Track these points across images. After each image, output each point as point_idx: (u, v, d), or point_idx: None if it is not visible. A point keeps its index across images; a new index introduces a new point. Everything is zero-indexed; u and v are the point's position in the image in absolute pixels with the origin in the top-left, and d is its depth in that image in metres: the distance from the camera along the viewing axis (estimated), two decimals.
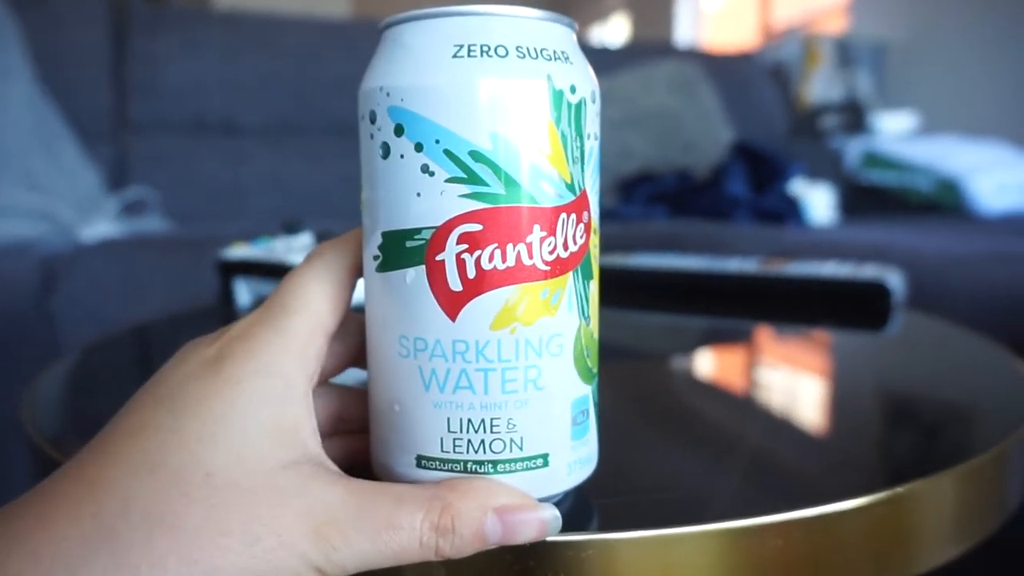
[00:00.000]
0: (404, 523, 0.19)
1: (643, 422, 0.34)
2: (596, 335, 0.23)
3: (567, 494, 0.24)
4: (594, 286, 0.23)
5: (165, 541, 0.17)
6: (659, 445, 0.31)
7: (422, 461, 0.21)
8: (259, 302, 0.57)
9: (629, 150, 1.60)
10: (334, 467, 0.21)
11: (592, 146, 0.22)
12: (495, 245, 0.20)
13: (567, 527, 0.22)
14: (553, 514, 0.21)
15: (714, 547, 0.23)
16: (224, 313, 0.56)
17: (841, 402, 0.39)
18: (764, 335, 0.53)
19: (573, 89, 0.21)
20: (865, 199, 1.73)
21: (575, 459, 0.22)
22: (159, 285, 1.01)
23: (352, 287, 0.23)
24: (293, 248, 0.55)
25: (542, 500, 0.22)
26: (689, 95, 1.70)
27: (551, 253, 0.21)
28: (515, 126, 0.20)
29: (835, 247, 0.98)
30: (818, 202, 1.46)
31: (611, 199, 1.53)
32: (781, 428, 0.34)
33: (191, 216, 1.40)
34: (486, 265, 0.20)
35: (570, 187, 0.21)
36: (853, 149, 1.87)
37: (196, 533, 0.18)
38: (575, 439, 0.22)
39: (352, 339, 0.25)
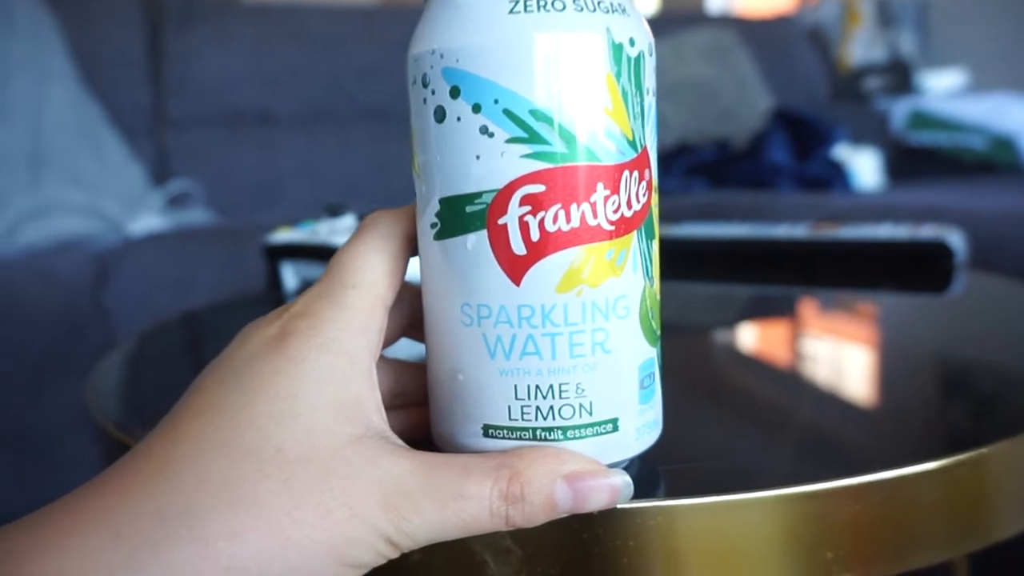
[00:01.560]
0: (473, 492, 0.19)
1: (703, 391, 0.34)
2: (659, 296, 0.23)
3: (634, 459, 0.23)
4: (656, 245, 0.22)
5: (242, 516, 0.18)
6: (720, 413, 0.31)
7: (489, 430, 0.21)
8: (306, 285, 0.58)
9: (664, 122, 1.57)
10: (399, 441, 0.20)
11: (651, 101, 0.22)
12: (559, 206, 0.20)
13: (635, 494, 0.22)
14: (624, 480, 0.20)
15: (787, 512, 0.22)
16: (272, 297, 0.57)
17: (910, 366, 0.37)
18: (819, 301, 0.52)
19: (632, 42, 0.20)
20: (913, 161, 1.67)
21: (643, 423, 0.22)
22: (206, 274, 1.03)
23: (407, 257, 0.23)
24: (337, 230, 0.55)
25: (612, 466, 0.21)
26: (724, 63, 1.66)
27: (615, 212, 0.20)
28: (576, 82, 0.20)
29: (886, 211, 0.94)
30: (864, 167, 1.41)
31: None
32: (847, 394, 0.33)
33: (231, 207, 1.42)
34: (550, 227, 0.20)
35: (632, 144, 0.21)
36: (899, 110, 1.81)
37: (271, 507, 0.18)
38: (643, 403, 0.22)
39: (406, 309, 0.24)
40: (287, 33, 1.55)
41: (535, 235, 0.20)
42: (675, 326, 0.46)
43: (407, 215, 0.23)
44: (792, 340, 0.43)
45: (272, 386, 0.19)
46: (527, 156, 0.20)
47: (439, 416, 0.23)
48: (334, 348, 0.20)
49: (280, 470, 0.18)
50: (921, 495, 0.24)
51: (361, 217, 0.58)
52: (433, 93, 0.20)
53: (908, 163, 1.66)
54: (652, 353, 0.22)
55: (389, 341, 0.25)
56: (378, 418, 0.20)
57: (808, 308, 0.50)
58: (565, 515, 0.20)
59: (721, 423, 0.30)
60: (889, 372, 0.37)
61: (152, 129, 1.46)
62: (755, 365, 0.38)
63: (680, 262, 0.62)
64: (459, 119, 0.20)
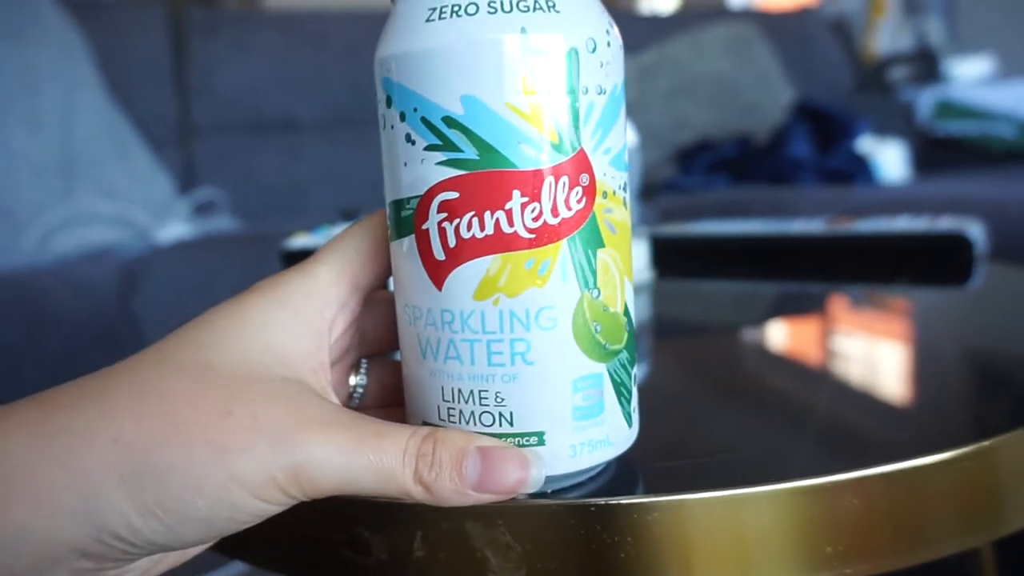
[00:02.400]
0: (393, 434, 0.19)
1: (716, 387, 0.34)
2: (617, 308, 0.22)
3: (611, 463, 0.23)
4: (609, 255, 0.21)
5: (147, 402, 0.18)
6: (729, 409, 0.31)
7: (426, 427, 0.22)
8: None
9: (684, 119, 1.56)
10: (336, 400, 0.22)
11: (593, 101, 0.20)
12: (472, 213, 0.20)
13: (628, 490, 0.22)
14: (537, 467, 0.20)
15: (788, 506, 0.22)
16: None
17: (927, 359, 0.37)
18: (837, 296, 0.51)
19: (560, 40, 0.20)
20: (940, 152, 1.64)
21: (582, 441, 0.21)
22: (232, 280, 1.05)
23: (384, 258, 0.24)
24: None
25: (543, 483, 0.21)
26: (745, 57, 1.65)
27: (536, 220, 0.20)
28: (485, 86, 0.19)
29: (910, 203, 0.93)
30: (889, 159, 1.39)
31: (669, 170, 1.50)
32: (861, 388, 0.32)
33: (256, 213, 1.44)
34: (464, 234, 0.20)
35: (557, 147, 0.20)
36: (925, 100, 1.77)
37: (175, 400, 0.18)
38: (580, 419, 0.21)
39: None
40: (309, 40, 1.57)
41: (452, 242, 0.20)
42: (690, 323, 0.46)
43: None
44: (808, 335, 0.43)
45: (220, 325, 0.20)
46: (441, 163, 0.20)
47: (405, 409, 0.24)
48: (286, 304, 0.21)
49: (201, 377, 0.19)
50: (923, 488, 0.23)
51: None
52: (380, 102, 0.21)
53: (935, 154, 1.63)
54: (597, 368, 0.21)
55: (388, 343, 0.25)
56: (317, 378, 0.21)
57: (825, 303, 0.50)
58: (473, 494, 0.20)
59: (729, 418, 0.30)
60: (904, 365, 0.36)
61: (178, 137, 1.49)
62: (768, 360, 0.38)
63: (696, 259, 0.62)
64: (392, 127, 0.21)
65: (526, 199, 0.20)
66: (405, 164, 0.20)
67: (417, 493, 0.20)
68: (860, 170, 1.27)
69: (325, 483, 0.19)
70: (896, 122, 1.69)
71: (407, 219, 0.21)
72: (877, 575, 0.23)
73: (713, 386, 0.34)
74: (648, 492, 0.22)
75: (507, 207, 0.20)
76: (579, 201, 0.20)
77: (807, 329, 0.44)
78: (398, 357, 0.26)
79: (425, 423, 0.22)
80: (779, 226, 0.60)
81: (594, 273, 0.21)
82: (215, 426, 0.18)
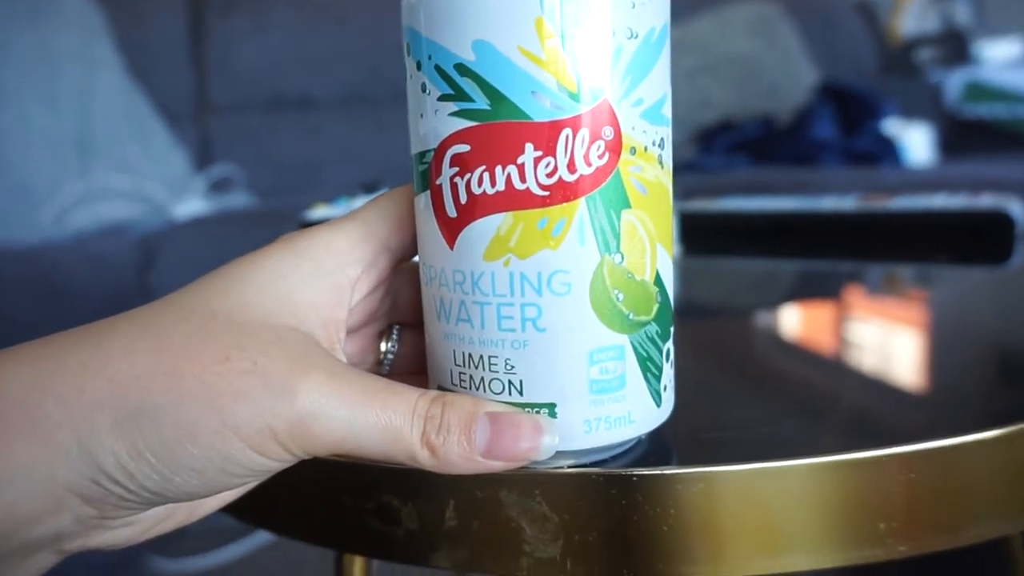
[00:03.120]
0: (402, 392, 0.18)
1: (758, 365, 0.33)
2: (646, 276, 0.20)
3: (641, 439, 0.22)
4: (636, 217, 0.19)
5: (146, 341, 0.18)
6: (774, 385, 0.30)
7: (441, 391, 0.21)
8: None
9: (707, 99, 1.53)
10: (343, 358, 0.21)
11: (622, 45, 0.18)
12: (483, 167, 0.19)
13: (664, 460, 0.21)
14: (549, 435, 0.19)
15: (837, 481, 0.21)
16: None
17: (970, 338, 0.36)
18: (871, 274, 0.50)
19: None
20: (969, 135, 1.60)
21: (598, 416, 0.20)
22: None
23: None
24: None
25: (552, 457, 0.20)
26: (768, 37, 1.61)
27: (550, 176, 0.18)
28: (498, 30, 0.18)
29: (939, 185, 0.90)
30: (915, 141, 1.36)
31: (691, 150, 1.48)
32: (905, 366, 0.31)
33: (272, 190, 1.43)
34: (475, 189, 0.19)
35: (575, 96, 0.18)
36: (953, 82, 1.73)
37: (172, 342, 0.18)
38: (597, 393, 0.20)
39: None
40: (325, 17, 1.55)
41: (463, 198, 0.19)
42: (725, 302, 0.44)
43: None
44: (846, 314, 0.41)
45: (236, 268, 0.20)
46: (454, 114, 0.19)
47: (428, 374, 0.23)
48: (304, 256, 0.20)
49: (202, 321, 0.18)
50: (977, 466, 0.22)
51: None
52: (405, 53, 0.20)
53: (963, 137, 1.59)
54: (619, 340, 0.20)
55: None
56: (327, 333, 0.20)
57: (861, 281, 0.48)
58: (481, 461, 0.19)
59: (774, 394, 0.28)
60: (948, 344, 0.35)
61: (195, 114, 1.48)
62: (810, 339, 0.37)
63: (724, 236, 0.61)
64: (411, 77, 0.20)
65: (539, 153, 0.18)
66: (421, 115, 0.19)
67: (423, 457, 0.18)
68: (886, 152, 1.25)
69: (326, 438, 0.18)
70: (923, 104, 1.66)
71: (423, 173, 0.20)
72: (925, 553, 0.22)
73: (756, 362, 0.33)
74: (693, 463, 0.21)
75: (519, 161, 0.18)
76: (600, 157, 0.19)
77: (846, 307, 0.43)
78: None
79: (440, 387, 0.21)
80: (810, 203, 0.58)
81: (617, 236, 0.19)
82: (212, 370, 0.17)
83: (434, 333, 0.21)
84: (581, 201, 0.19)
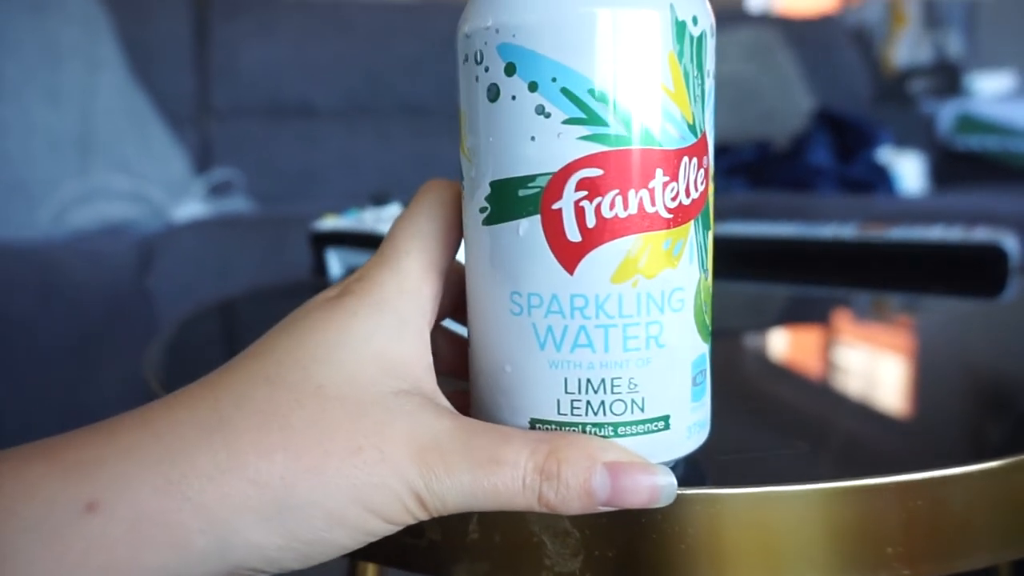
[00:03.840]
0: (509, 459, 0.19)
1: (776, 387, 0.33)
2: (712, 290, 0.22)
3: (680, 460, 0.23)
4: (711, 237, 0.22)
5: (274, 436, 0.18)
6: (782, 410, 0.30)
7: (536, 424, 0.20)
8: (350, 272, 0.59)
9: None
10: (446, 403, 0.21)
11: (711, 85, 0.21)
12: (616, 191, 0.19)
13: (691, 482, 0.22)
14: (669, 481, 0.19)
15: (853, 504, 0.22)
16: (317, 283, 0.57)
17: (967, 369, 0.37)
18: (867, 303, 0.51)
19: (696, 20, 0.20)
20: (960, 166, 1.63)
21: (694, 422, 0.21)
22: (247, 261, 1.05)
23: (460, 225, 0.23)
24: (382, 219, 0.56)
25: (661, 464, 0.21)
26: (765, 62, 1.64)
27: (674, 200, 0.20)
28: (637, 61, 0.19)
29: (932, 215, 0.92)
30: (908, 170, 1.38)
31: None
32: (900, 395, 0.32)
33: (271, 196, 1.44)
34: (607, 213, 0.19)
35: (692, 128, 0.20)
36: (946, 113, 1.76)
37: (302, 434, 0.18)
38: (694, 400, 0.21)
39: (453, 289, 0.25)
40: (330, 25, 1.56)
41: (591, 222, 0.19)
42: (722, 326, 0.45)
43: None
44: (846, 341, 0.42)
45: (322, 334, 0.20)
46: (584, 138, 0.19)
47: (482, 407, 0.22)
48: (386, 308, 0.20)
49: (317, 403, 0.19)
50: (980, 495, 0.23)
51: (407, 205, 0.58)
52: (487, 71, 0.20)
53: (954, 167, 1.62)
54: (704, 349, 0.21)
55: (441, 314, 0.25)
56: (428, 380, 0.21)
57: (857, 310, 0.50)
58: (601, 508, 0.19)
59: (788, 417, 0.29)
60: (945, 374, 0.36)
61: (196, 118, 1.49)
62: (809, 366, 0.38)
63: (724, 260, 0.62)
64: (514, 98, 0.19)
65: (667, 178, 0.19)
66: (533, 138, 0.19)
67: (544, 509, 0.19)
68: (880, 180, 1.27)
69: (447, 508, 0.19)
70: (915, 134, 1.69)
71: (529, 198, 0.19)
72: None
73: (769, 384, 0.34)
74: (711, 484, 0.22)
75: (651, 186, 0.19)
76: (702, 182, 0.20)
77: (845, 335, 0.44)
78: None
79: (534, 420, 0.20)
80: (811, 230, 0.60)
81: (706, 255, 0.21)
82: (349, 463, 0.18)
83: (529, 364, 0.20)
84: (691, 223, 0.20)
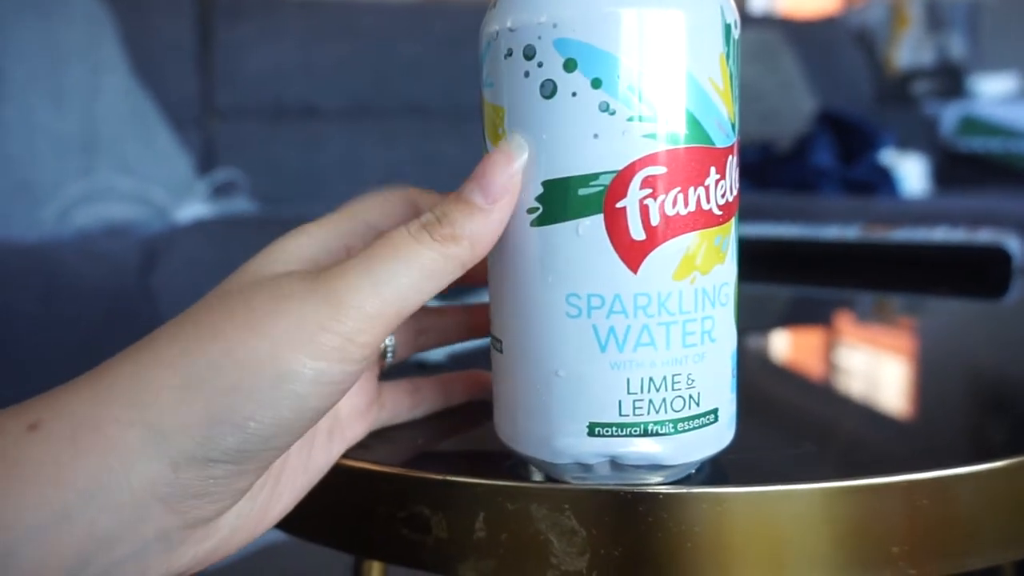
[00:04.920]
0: (390, 236, 0.19)
1: (783, 386, 0.33)
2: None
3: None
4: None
5: (182, 323, 0.19)
6: (787, 410, 0.30)
7: (596, 428, 0.20)
8: None
9: None
10: None
11: (739, 86, 0.21)
12: (678, 189, 0.19)
13: (697, 481, 0.22)
14: (520, 148, 0.20)
15: (859, 503, 0.22)
16: None
17: (972, 370, 0.37)
18: (872, 304, 0.51)
19: (736, 24, 0.20)
20: (963, 167, 1.63)
21: (732, 413, 0.22)
22: None
23: (408, 214, 0.23)
24: None
25: (709, 458, 0.22)
26: (768, 63, 1.64)
27: (723, 197, 0.20)
28: (698, 60, 0.19)
29: (935, 217, 0.92)
30: (911, 172, 1.38)
31: None
32: (905, 396, 0.32)
33: (274, 198, 1.44)
34: (669, 211, 0.19)
35: (734, 128, 0.20)
36: (949, 115, 1.76)
37: (205, 311, 0.19)
38: (733, 392, 0.22)
39: (447, 323, 0.27)
40: (334, 27, 1.57)
41: (655, 219, 0.19)
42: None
43: (411, 191, 0.24)
44: (849, 343, 0.43)
45: (251, 263, 0.21)
46: (648, 136, 0.19)
47: (527, 416, 0.21)
48: (308, 233, 0.22)
49: (223, 293, 0.20)
50: (985, 494, 0.23)
51: None
52: (540, 66, 0.19)
53: (957, 169, 1.62)
54: (736, 341, 0.22)
55: (441, 340, 0.27)
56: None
57: (861, 311, 0.50)
58: (492, 209, 0.19)
59: (795, 416, 0.29)
60: (951, 376, 0.36)
61: (199, 119, 1.49)
62: (813, 366, 0.38)
63: None
64: (574, 94, 0.19)
65: (718, 176, 0.20)
66: (596, 136, 0.19)
67: (452, 251, 0.19)
68: (883, 182, 1.27)
69: (371, 304, 0.18)
70: (918, 136, 1.69)
71: (589, 198, 0.19)
72: None
73: (774, 385, 0.34)
74: (717, 483, 0.22)
75: (706, 183, 0.20)
76: (739, 180, 0.21)
77: (851, 335, 0.44)
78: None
79: (594, 424, 0.20)
80: (814, 231, 0.60)
81: (739, 250, 0.22)
82: (243, 313, 0.18)
83: (588, 368, 0.20)
84: (733, 220, 0.21)
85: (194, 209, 1.27)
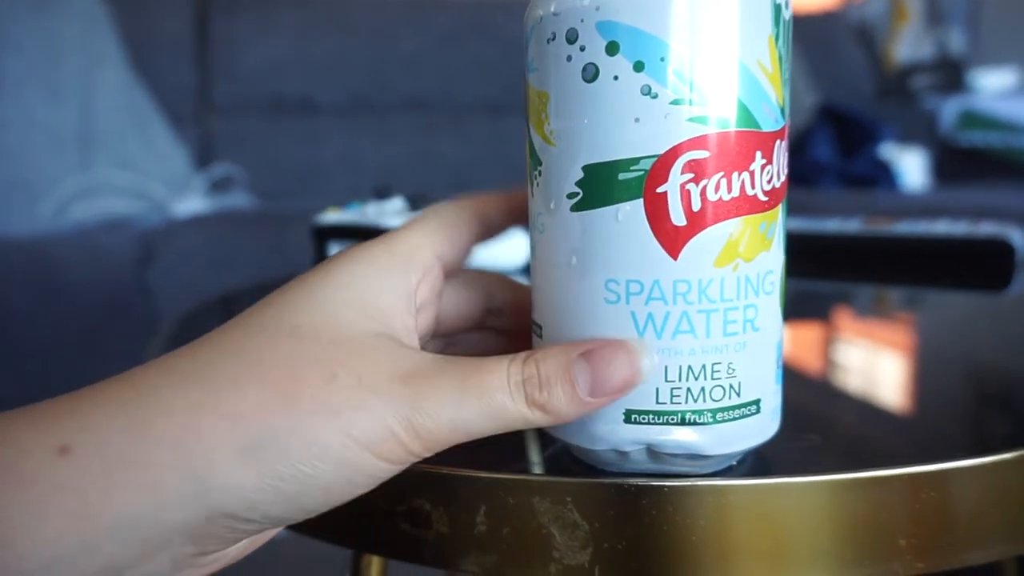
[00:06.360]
0: (491, 367, 0.19)
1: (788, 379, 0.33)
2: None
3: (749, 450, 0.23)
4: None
5: (248, 373, 0.18)
6: (807, 401, 0.30)
7: (632, 415, 0.20)
8: None
9: None
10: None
11: (790, 70, 0.21)
12: (721, 174, 0.19)
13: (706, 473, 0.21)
14: (645, 350, 0.19)
15: (866, 495, 0.22)
16: None
17: (977, 363, 0.36)
18: (874, 297, 0.51)
19: (787, 3, 0.20)
20: (963, 162, 1.63)
21: (776, 404, 0.21)
22: (248, 256, 1.05)
23: (476, 231, 0.23)
24: (385, 212, 0.56)
25: (751, 449, 0.21)
26: None
27: (769, 183, 0.19)
28: (744, 42, 0.18)
29: (936, 210, 0.92)
30: (911, 166, 1.38)
31: None
32: (908, 389, 0.32)
33: (272, 193, 1.44)
34: (712, 196, 0.19)
35: (783, 112, 0.20)
36: (949, 109, 1.76)
37: (276, 367, 0.18)
38: (776, 383, 0.21)
39: (475, 292, 0.25)
40: (332, 21, 1.56)
41: (696, 205, 0.19)
42: None
43: (486, 198, 0.23)
44: (852, 336, 0.42)
45: (304, 288, 0.20)
46: (692, 119, 0.18)
47: None
48: (371, 263, 0.21)
49: (291, 342, 0.18)
50: (993, 486, 0.23)
51: (410, 199, 0.58)
52: (582, 49, 0.19)
53: (957, 163, 1.62)
54: (782, 331, 0.22)
55: (461, 323, 0.25)
56: (406, 334, 0.20)
57: (863, 304, 0.49)
58: (590, 400, 0.19)
59: (793, 412, 0.29)
60: (954, 369, 0.36)
61: (197, 114, 1.48)
62: (816, 359, 0.38)
63: None
64: (616, 78, 0.19)
65: (764, 161, 0.19)
66: (637, 120, 0.19)
67: (536, 418, 0.19)
68: (883, 176, 1.27)
69: (441, 432, 0.18)
70: (918, 130, 1.68)
71: (630, 182, 0.19)
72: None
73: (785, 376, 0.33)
74: (721, 476, 0.21)
75: (751, 168, 0.19)
76: (787, 166, 0.20)
77: (854, 328, 0.44)
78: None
79: (631, 411, 0.20)
80: (815, 224, 0.59)
81: (786, 237, 0.21)
82: (324, 390, 0.18)
83: None
84: (780, 206, 0.20)
85: (191, 204, 1.26)
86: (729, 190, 0.19)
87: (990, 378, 0.33)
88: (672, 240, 0.19)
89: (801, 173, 1.30)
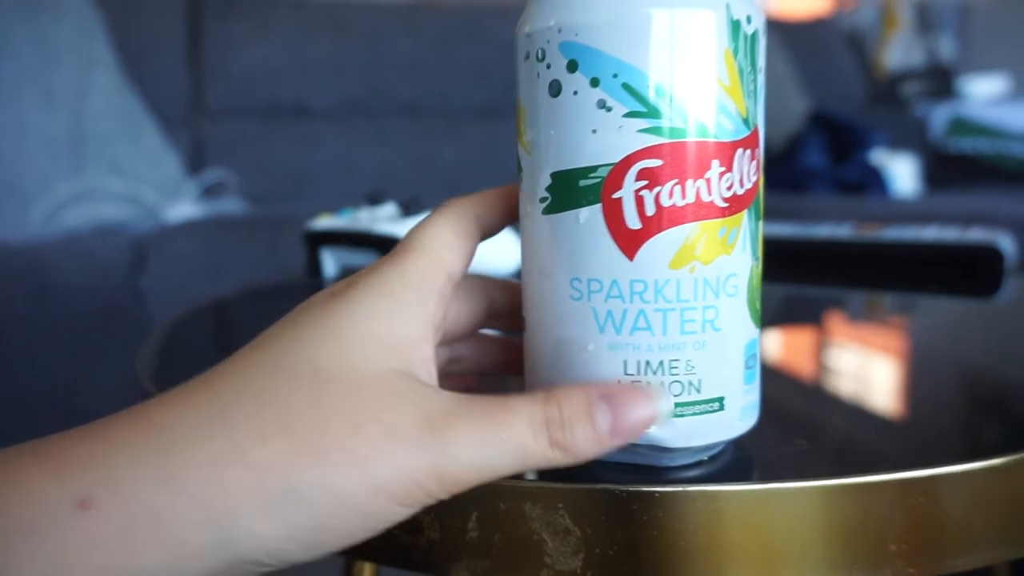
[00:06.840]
0: (515, 408, 0.19)
1: (782, 384, 0.33)
2: (761, 276, 0.23)
3: (729, 445, 0.23)
4: (762, 225, 0.22)
5: (273, 422, 0.18)
6: (800, 406, 0.30)
7: None
8: (345, 272, 0.58)
9: None
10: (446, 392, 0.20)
11: (762, 80, 0.22)
12: (675, 181, 0.20)
13: (692, 480, 0.21)
14: (663, 394, 0.20)
15: (856, 500, 0.22)
16: (311, 283, 0.57)
17: (966, 368, 0.37)
18: (864, 303, 0.51)
19: (749, 19, 0.21)
20: (953, 168, 1.64)
21: (746, 404, 0.22)
22: (241, 262, 1.04)
23: (478, 237, 0.23)
24: (377, 218, 0.55)
25: (717, 445, 0.22)
26: None
27: (728, 190, 0.20)
28: (695, 57, 0.20)
29: (926, 216, 0.93)
30: (901, 172, 1.39)
31: None
32: (899, 394, 0.32)
33: (265, 198, 1.43)
34: (665, 202, 0.20)
35: (746, 121, 0.21)
36: (939, 116, 1.77)
37: (300, 416, 0.18)
38: (747, 383, 0.22)
39: (484, 300, 0.25)
40: (326, 26, 1.56)
41: (650, 210, 0.20)
42: None
43: (482, 199, 0.23)
44: (842, 341, 0.42)
45: (323, 322, 0.20)
46: (644, 131, 0.20)
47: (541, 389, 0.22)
48: (386, 292, 0.20)
49: (314, 386, 0.18)
50: (982, 492, 0.23)
51: (402, 205, 0.58)
52: (548, 67, 0.21)
53: (947, 170, 1.63)
54: (756, 333, 0.22)
55: (465, 330, 0.25)
56: (424, 368, 0.20)
57: (853, 310, 0.50)
58: (611, 441, 0.19)
59: (784, 417, 0.29)
60: (944, 375, 0.36)
61: (189, 118, 1.48)
62: (806, 365, 0.38)
63: None
64: (575, 93, 0.20)
65: (723, 169, 0.20)
66: (594, 131, 0.20)
67: (557, 458, 0.19)
68: (874, 182, 1.27)
69: (466, 476, 0.18)
70: (909, 136, 1.69)
71: (589, 188, 0.20)
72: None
73: (767, 383, 0.34)
74: (712, 481, 0.21)
75: (707, 176, 0.20)
76: (754, 174, 0.21)
77: (844, 333, 0.44)
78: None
79: None
80: (806, 229, 0.60)
81: (758, 243, 0.22)
82: (350, 440, 0.18)
83: (591, 348, 0.21)
84: (745, 212, 0.21)
85: (184, 209, 1.26)
86: (683, 196, 0.20)
87: (980, 383, 0.34)
88: (629, 242, 0.20)
89: (792, 179, 1.31)
